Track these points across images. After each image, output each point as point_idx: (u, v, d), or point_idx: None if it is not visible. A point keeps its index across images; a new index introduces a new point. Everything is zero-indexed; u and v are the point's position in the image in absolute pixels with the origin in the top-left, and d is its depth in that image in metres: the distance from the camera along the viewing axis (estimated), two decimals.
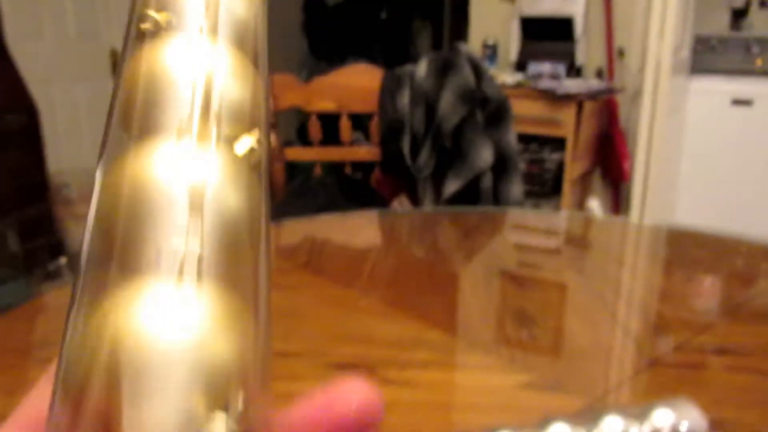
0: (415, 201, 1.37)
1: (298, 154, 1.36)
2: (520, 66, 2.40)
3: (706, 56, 2.68)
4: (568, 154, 2.16)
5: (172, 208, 0.12)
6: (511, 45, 2.46)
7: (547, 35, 2.34)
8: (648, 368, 0.51)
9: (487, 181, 1.31)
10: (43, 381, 0.14)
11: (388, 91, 1.32)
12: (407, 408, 0.45)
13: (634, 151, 2.33)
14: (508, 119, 1.34)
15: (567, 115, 2.12)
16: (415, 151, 1.30)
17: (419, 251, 0.84)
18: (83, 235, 0.13)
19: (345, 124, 1.35)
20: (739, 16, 2.85)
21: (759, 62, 2.62)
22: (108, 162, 0.14)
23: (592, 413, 0.36)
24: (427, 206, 1.33)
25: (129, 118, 0.14)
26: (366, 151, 1.36)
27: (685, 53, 2.38)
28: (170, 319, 0.11)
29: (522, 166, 2.25)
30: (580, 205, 2.41)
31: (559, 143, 2.22)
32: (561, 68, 2.31)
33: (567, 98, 2.10)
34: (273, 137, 1.30)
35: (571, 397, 0.46)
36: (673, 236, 0.94)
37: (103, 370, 0.11)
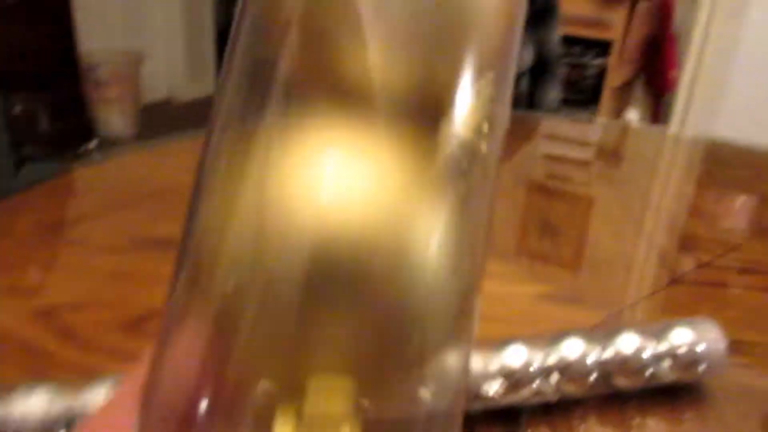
0: None
1: None
2: None
3: None
4: (613, 59, 2.06)
5: None
6: None
7: None
8: (670, 285, 0.50)
9: (523, 84, 1.25)
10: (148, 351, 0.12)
11: None
12: None
13: (683, 58, 2.20)
14: (554, 19, 1.26)
15: (618, 15, 1.99)
16: None
17: None
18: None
19: None
20: None
21: None
22: None
23: (609, 329, 0.35)
24: None
25: None
26: None
27: None
28: None
29: (561, 71, 2.15)
30: (618, 115, 2.33)
31: (603, 47, 2.11)
32: None
33: None
34: None
35: (589, 310, 0.45)
36: (710, 150, 0.90)
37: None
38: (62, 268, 0.48)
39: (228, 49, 0.12)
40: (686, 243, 0.59)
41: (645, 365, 0.34)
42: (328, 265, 0.10)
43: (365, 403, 0.10)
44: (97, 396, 0.28)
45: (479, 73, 0.11)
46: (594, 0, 2.00)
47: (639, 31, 2.09)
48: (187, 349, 0.10)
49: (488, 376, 0.32)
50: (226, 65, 0.12)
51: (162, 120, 3.29)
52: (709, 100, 2.26)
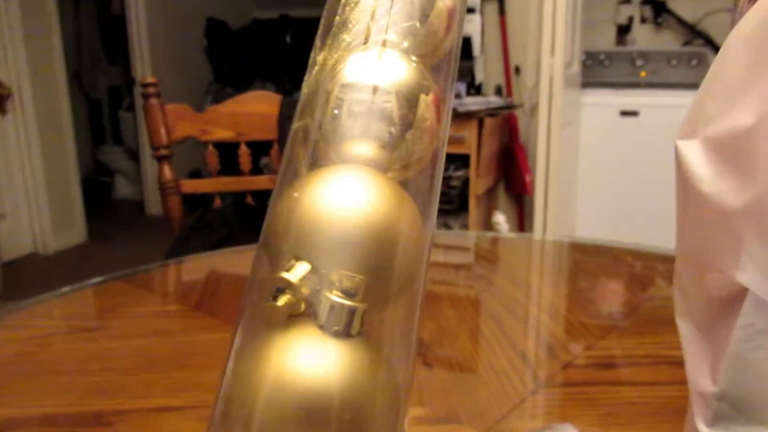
0: None
1: (195, 186, 1.31)
2: None
3: (595, 70, 2.83)
4: (472, 170, 2.22)
5: None
6: None
7: None
8: (541, 389, 0.52)
9: None
10: None
11: (287, 118, 1.30)
12: None
13: (534, 163, 2.42)
14: None
15: (469, 132, 2.17)
16: None
17: None
18: None
19: (244, 153, 1.32)
20: (623, 31, 3.04)
21: (643, 74, 2.80)
22: None
23: None
24: None
25: None
26: (267, 179, 1.34)
27: (576, 68, 2.50)
28: None
29: None
30: (487, 219, 2.47)
31: (463, 160, 2.27)
32: (461, 86, 2.37)
33: (468, 116, 2.16)
34: (167, 170, 1.25)
35: (464, 428, 0.46)
36: (573, 249, 0.97)
37: None
38: None
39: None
40: (553, 346, 0.62)
41: None
42: None
43: None
44: None
45: None
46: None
47: (490, 144, 2.28)
48: None
49: None
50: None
51: (28, 274, 3.11)
52: (564, 198, 2.48)
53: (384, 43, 0.19)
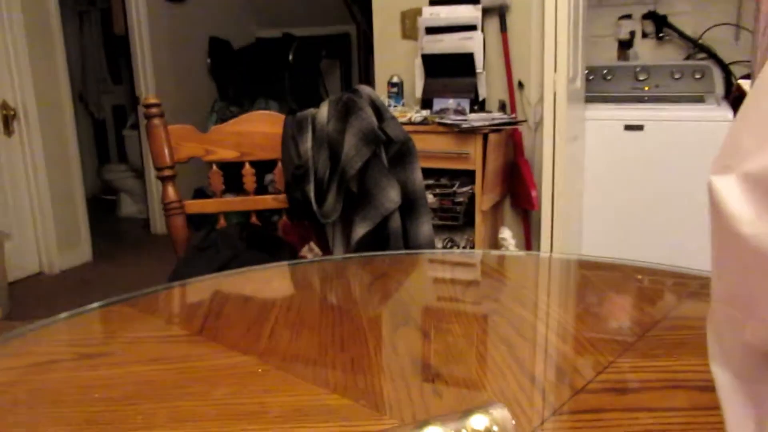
0: (325, 247, 1.35)
1: (199, 206, 1.30)
2: (426, 102, 2.45)
3: (598, 85, 2.83)
4: (477, 186, 2.21)
5: None
6: (416, 82, 2.51)
7: (449, 71, 2.40)
8: (553, 417, 0.50)
9: (395, 223, 1.30)
10: None
11: (291, 137, 1.29)
12: None
13: (539, 178, 2.41)
14: (413, 158, 1.34)
15: (474, 148, 2.17)
16: (321, 197, 1.28)
17: (325, 303, 0.81)
18: None
19: (248, 172, 1.31)
20: (624, 46, 3.04)
21: (646, 88, 2.79)
22: None
23: (415, 425, 0.40)
24: (337, 252, 1.31)
25: None
26: (271, 199, 1.33)
27: (579, 83, 2.50)
28: None
29: (434, 200, 2.27)
30: (493, 235, 2.46)
31: (468, 176, 2.26)
32: (465, 103, 2.37)
33: (472, 132, 2.15)
34: (171, 190, 1.25)
35: None
36: (581, 267, 0.96)
37: None
38: None
39: None
40: (562, 371, 0.60)
41: None
42: None
43: None
44: None
45: None
46: (451, 137, 2.18)
47: (495, 159, 2.27)
48: None
49: None
50: None
51: (34, 294, 3.11)
52: (570, 212, 2.46)
53: None
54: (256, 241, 1.23)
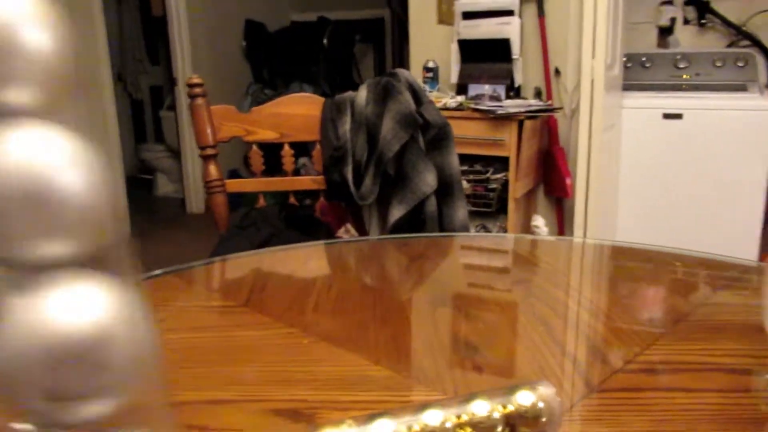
0: (361, 229, 1.37)
1: (239, 185, 1.33)
2: (461, 88, 2.44)
3: (637, 73, 2.79)
4: (511, 173, 2.20)
5: None
6: (452, 67, 2.50)
7: (485, 57, 2.39)
8: (592, 394, 0.51)
9: (431, 206, 1.31)
10: None
11: (329, 119, 1.31)
12: None
13: (574, 167, 2.40)
14: (450, 143, 1.35)
15: (508, 135, 2.16)
16: (358, 179, 1.30)
17: (364, 282, 0.84)
18: None
19: (287, 153, 1.34)
20: (664, 33, 2.99)
21: (686, 76, 2.74)
22: None
23: (462, 397, 0.41)
24: (373, 234, 1.33)
25: None
26: (310, 180, 1.35)
27: (617, 70, 2.47)
28: None
29: (467, 186, 2.27)
30: (526, 222, 2.46)
31: (501, 163, 2.26)
32: (501, 89, 2.36)
33: (507, 118, 2.14)
34: (213, 169, 1.28)
35: None
36: (615, 253, 0.96)
37: None
38: None
39: None
40: (601, 350, 0.61)
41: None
42: None
43: None
44: None
45: None
46: (486, 123, 2.17)
47: (530, 146, 2.26)
48: None
49: None
50: None
51: None
52: (605, 201, 2.45)
53: None
54: (295, 221, 1.26)
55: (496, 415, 0.41)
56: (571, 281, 0.83)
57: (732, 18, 2.86)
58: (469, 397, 0.42)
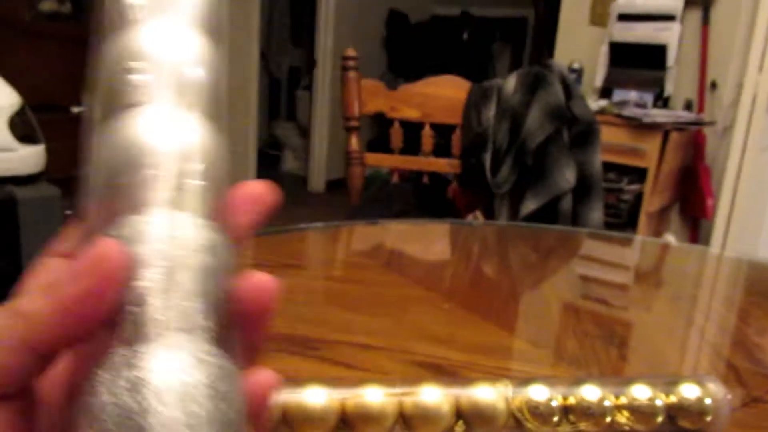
0: (491, 217, 1.35)
1: (378, 159, 1.36)
2: (605, 92, 2.35)
3: None
4: (648, 186, 2.09)
5: None
6: (598, 70, 2.41)
7: (637, 62, 2.28)
8: (753, 403, 0.48)
9: (566, 204, 1.27)
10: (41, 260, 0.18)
11: (474, 104, 1.31)
12: None
13: (718, 188, 2.23)
14: (596, 141, 1.30)
15: (651, 145, 2.05)
16: (495, 167, 1.29)
17: (495, 265, 0.83)
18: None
19: (427, 134, 1.35)
20: None
21: None
22: None
23: (621, 379, 0.40)
24: (503, 220, 1.31)
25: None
26: (446, 163, 1.36)
27: None
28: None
29: (603, 193, 2.18)
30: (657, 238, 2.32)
31: (638, 174, 2.15)
32: (648, 97, 2.25)
33: (652, 128, 2.04)
34: (355, 141, 1.32)
35: None
36: (754, 269, 0.89)
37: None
38: None
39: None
40: (732, 375, 0.57)
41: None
42: None
43: None
44: None
45: None
46: (628, 130, 2.07)
47: (672, 160, 2.14)
48: None
49: None
50: None
51: None
52: (748, 228, 2.26)
53: None
54: (427, 201, 1.27)
55: (659, 402, 0.39)
56: (721, 289, 0.78)
57: None
58: (628, 380, 0.40)
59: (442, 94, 1.34)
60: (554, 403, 0.38)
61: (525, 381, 0.39)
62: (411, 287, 0.67)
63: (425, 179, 1.38)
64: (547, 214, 1.29)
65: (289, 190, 4.60)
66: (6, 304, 0.16)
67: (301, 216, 3.99)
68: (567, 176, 1.25)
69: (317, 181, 4.47)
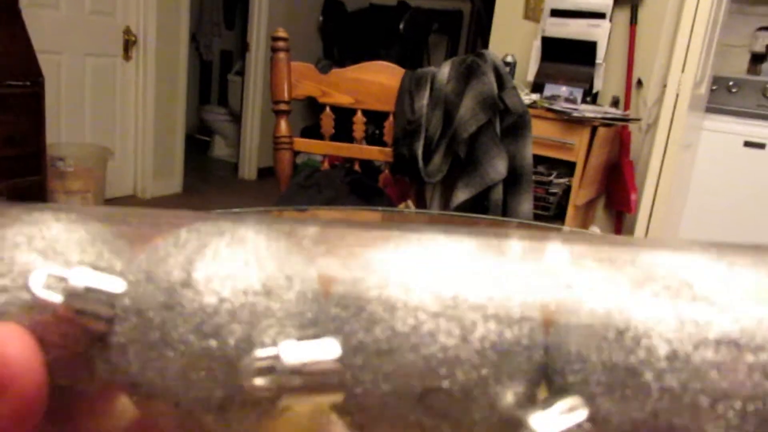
0: (422, 206, 1.34)
1: (307, 145, 1.32)
2: (537, 87, 2.38)
3: (722, 96, 2.67)
4: (576, 179, 2.13)
5: None
6: (530, 64, 2.44)
7: (568, 58, 2.32)
8: None
9: (497, 194, 1.27)
10: None
11: (407, 92, 1.28)
12: None
13: (641, 183, 2.31)
14: (527, 133, 1.30)
15: (580, 139, 2.09)
16: (428, 155, 1.27)
17: None
18: None
19: (359, 121, 1.31)
20: (757, 60, 2.85)
21: None
22: None
23: None
24: (434, 210, 1.30)
25: None
26: (378, 151, 1.33)
27: (703, 90, 2.36)
28: None
29: (533, 185, 2.21)
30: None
31: (566, 168, 2.19)
32: (578, 93, 2.29)
33: (581, 122, 2.08)
34: (284, 125, 1.27)
35: None
36: None
37: None
38: None
39: None
40: None
41: None
42: None
43: None
44: None
45: None
46: (558, 124, 2.11)
47: (599, 155, 2.19)
48: None
49: None
50: None
51: None
52: (668, 223, 2.35)
53: None
54: (357, 188, 1.24)
55: None
56: None
57: None
58: None
59: (376, 81, 1.30)
60: None
61: None
62: None
63: (356, 166, 1.34)
64: (478, 204, 1.28)
65: (219, 177, 4.47)
66: None
67: (231, 204, 3.88)
68: (498, 167, 1.25)
69: (248, 169, 4.37)
